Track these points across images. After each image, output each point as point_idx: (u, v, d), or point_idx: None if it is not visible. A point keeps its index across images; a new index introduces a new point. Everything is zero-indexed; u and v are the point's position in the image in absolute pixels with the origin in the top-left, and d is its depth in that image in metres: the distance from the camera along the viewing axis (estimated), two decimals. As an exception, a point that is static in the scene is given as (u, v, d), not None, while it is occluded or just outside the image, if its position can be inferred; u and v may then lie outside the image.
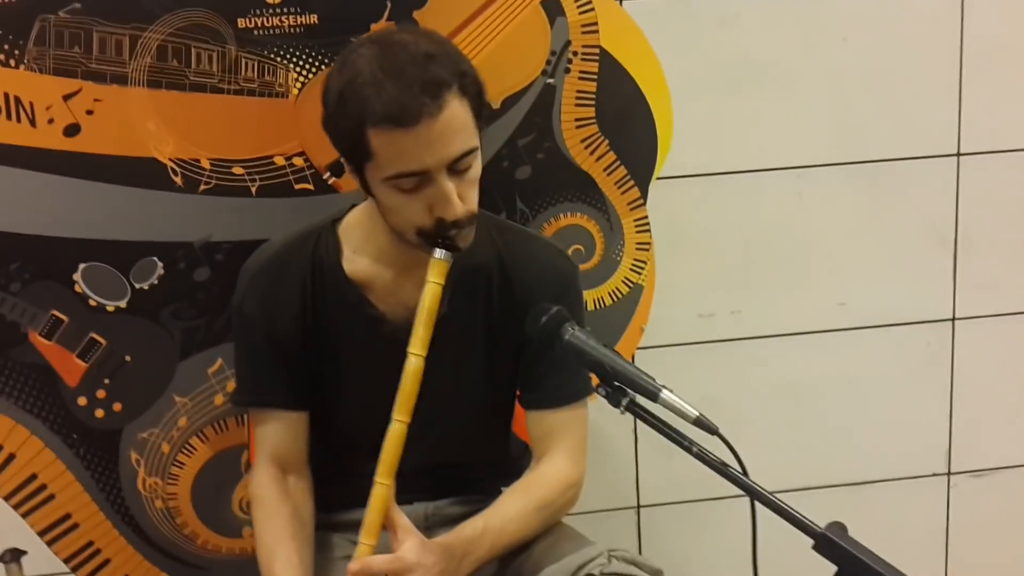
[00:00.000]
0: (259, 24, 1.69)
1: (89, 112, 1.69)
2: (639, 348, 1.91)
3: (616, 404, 1.19)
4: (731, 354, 1.95)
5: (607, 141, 1.81)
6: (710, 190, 1.88)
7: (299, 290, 1.42)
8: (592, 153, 1.82)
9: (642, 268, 1.88)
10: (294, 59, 1.71)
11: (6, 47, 1.64)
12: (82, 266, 1.74)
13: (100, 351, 1.79)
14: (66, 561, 1.85)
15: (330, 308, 1.42)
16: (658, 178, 1.84)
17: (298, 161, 1.73)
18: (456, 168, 1.25)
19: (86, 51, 1.67)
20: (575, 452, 1.47)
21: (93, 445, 1.82)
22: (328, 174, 1.77)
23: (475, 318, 1.41)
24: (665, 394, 1.17)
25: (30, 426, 1.80)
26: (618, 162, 1.83)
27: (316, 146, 1.74)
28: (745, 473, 1.17)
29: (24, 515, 1.82)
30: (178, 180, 1.73)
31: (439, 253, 1.29)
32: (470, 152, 1.26)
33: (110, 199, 1.72)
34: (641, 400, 1.23)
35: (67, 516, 1.84)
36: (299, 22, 1.70)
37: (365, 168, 1.27)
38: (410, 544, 1.26)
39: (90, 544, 1.86)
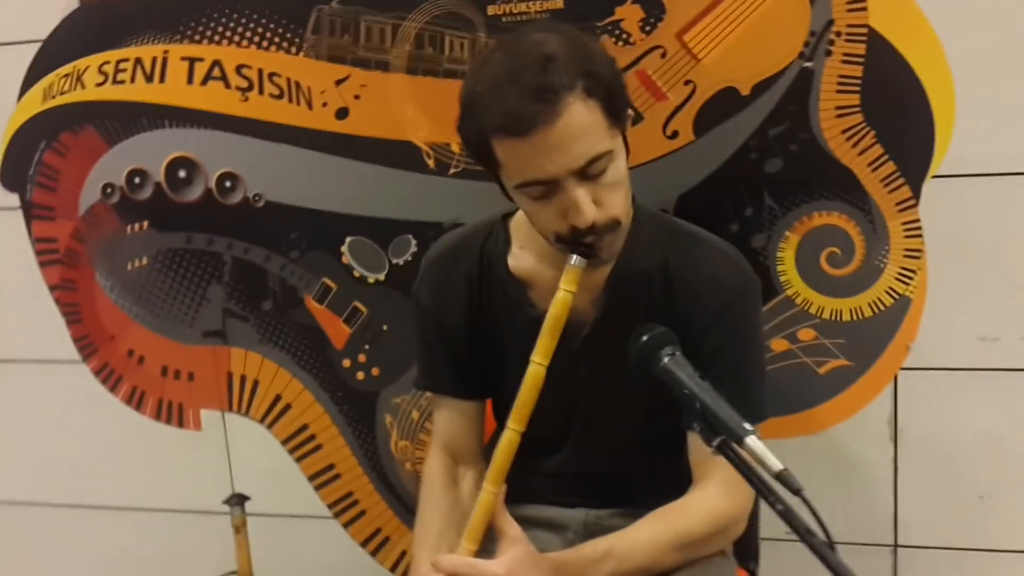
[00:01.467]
0: (507, 11, 1.71)
1: (356, 97, 1.81)
2: (904, 368, 1.68)
3: (708, 442, 1.05)
4: (1020, 387, 1.65)
5: (873, 132, 1.60)
6: (1001, 192, 1.59)
7: (466, 283, 1.41)
8: (855, 146, 1.62)
9: (911, 278, 1.65)
10: (540, 44, 1.71)
11: (288, 35, 1.81)
12: (348, 239, 1.89)
13: (362, 319, 1.92)
14: (330, 507, 2.03)
15: (495, 303, 1.40)
16: (935, 176, 1.59)
17: (540, 146, 1.73)
18: (587, 174, 1.17)
19: (355, 39, 1.79)
20: (731, 484, 1.30)
21: (354, 404, 1.98)
22: (569, 161, 1.75)
23: (635, 325, 1.30)
24: (751, 440, 1.01)
25: (304, 380, 1.99)
26: (886, 156, 1.61)
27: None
28: (831, 546, 0.98)
29: (297, 460, 2.03)
30: (431, 163, 1.81)
31: (574, 260, 1.22)
32: (600, 157, 1.16)
33: (372, 178, 1.84)
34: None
35: (331, 466, 2.02)
36: (545, 7, 1.69)
37: (499, 175, 1.23)
38: (509, 555, 1.20)
39: (350, 495, 2.03)
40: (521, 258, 1.37)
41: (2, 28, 1.98)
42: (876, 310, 1.67)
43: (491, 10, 1.71)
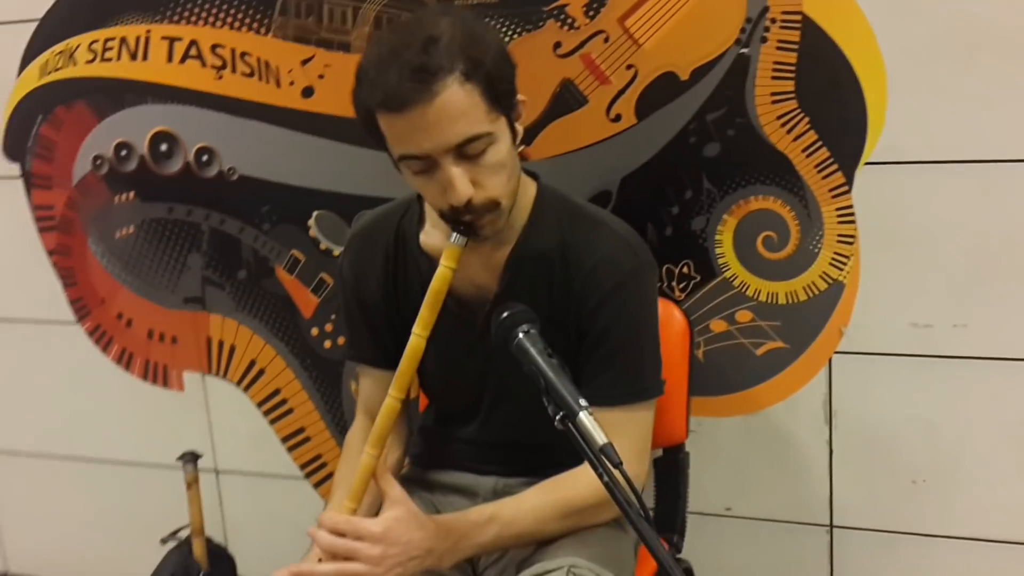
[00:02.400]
0: (459, -6, 1.76)
1: (320, 76, 1.88)
2: (838, 352, 1.70)
3: (555, 415, 1.09)
4: (952, 374, 1.64)
5: (807, 118, 1.62)
6: (933, 180, 1.58)
7: (383, 258, 1.47)
8: (789, 132, 1.64)
9: (844, 264, 1.66)
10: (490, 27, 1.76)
11: (258, 16, 1.89)
12: (315, 213, 1.97)
13: (328, 290, 2.00)
14: (301, 468, 2.14)
15: (408, 278, 1.45)
16: (867, 163, 1.60)
17: (490, 127, 1.78)
18: (464, 153, 1.22)
19: (318, 20, 1.86)
20: (623, 456, 1.32)
21: (322, 371, 2.07)
22: (518, 141, 1.80)
23: (536, 303, 1.31)
24: (583, 416, 1.05)
25: (276, 347, 2.08)
26: (820, 143, 1.63)
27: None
28: (646, 518, 1.01)
29: (271, 422, 2.13)
30: (390, 140, 1.87)
31: (453, 238, 1.27)
32: (476, 138, 1.21)
33: (336, 155, 1.91)
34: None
35: (301, 429, 2.12)
36: (495, -9, 1.74)
37: (387, 147, 1.28)
38: (390, 515, 1.25)
39: (319, 457, 2.12)
40: (432, 235, 1.42)
41: (4, 7, 2.09)
42: (811, 294, 1.69)
43: (444, -7, 1.77)
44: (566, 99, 1.74)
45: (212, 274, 2.08)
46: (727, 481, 1.82)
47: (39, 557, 2.47)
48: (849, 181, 1.63)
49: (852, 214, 1.64)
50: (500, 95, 1.23)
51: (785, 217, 1.68)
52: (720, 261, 1.73)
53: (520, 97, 1.30)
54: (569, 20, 1.70)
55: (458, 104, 1.18)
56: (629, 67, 1.69)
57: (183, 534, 1.90)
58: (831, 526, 1.78)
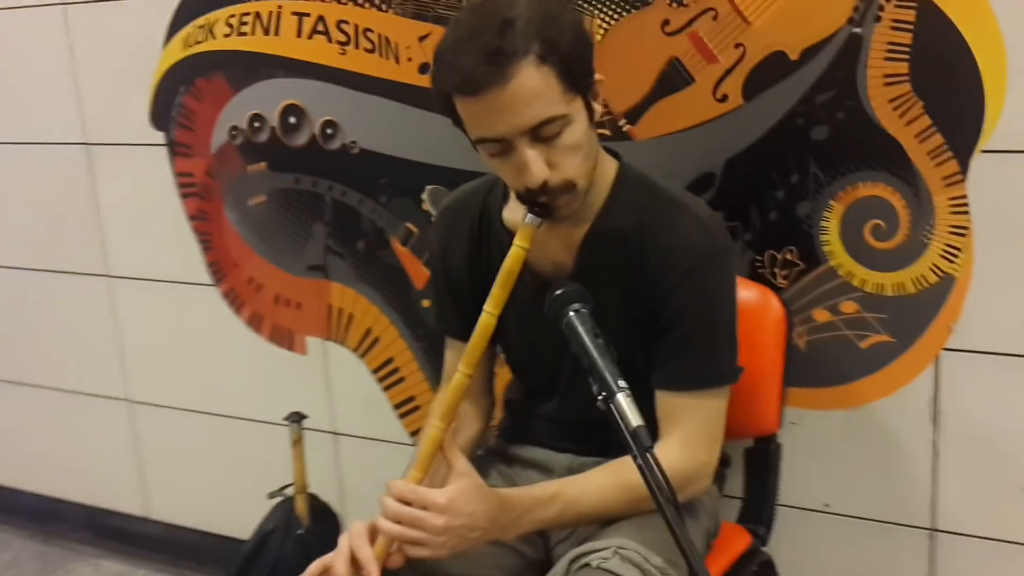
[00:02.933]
0: (576, -27, 1.76)
1: (436, 53, 1.93)
2: (946, 349, 1.61)
3: (598, 394, 1.09)
4: (1070, 380, 1.54)
5: (921, 103, 1.54)
6: (1055, 171, 1.48)
7: (468, 233, 1.49)
8: (902, 116, 1.56)
9: (956, 256, 1.57)
10: (599, 6, 1.75)
11: (381, -6, 1.95)
12: (427, 187, 2.02)
13: (439, 262, 2.05)
14: (411, 435, 2.20)
15: (492, 253, 1.47)
16: (984, 151, 1.51)
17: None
18: (540, 136, 1.22)
19: (435, -2, 1.90)
20: (691, 441, 1.33)
21: (432, 342, 2.12)
22: (624, 120, 1.78)
23: (611, 282, 1.35)
24: (620, 397, 1.04)
25: (390, 317, 2.15)
26: (933, 128, 1.54)
27: (614, 92, 1.78)
28: (675, 505, 0.99)
29: (384, 389, 2.20)
30: (500, 118, 1.89)
31: (527, 218, 1.28)
32: (551, 120, 1.21)
33: (449, 130, 1.92)
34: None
35: (412, 398, 2.18)
36: (606, -31, 1.73)
37: (464, 129, 1.30)
38: (455, 486, 1.26)
39: (428, 425, 2.18)
40: (515, 211, 1.43)
41: (153, -17, 2.24)
42: (919, 287, 1.61)
43: (557, -29, 1.77)
44: (672, 78, 1.72)
45: (334, 244, 2.16)
46: (826, 476, 1.77)
47: (176, 505, 2.65)
48: (964, 169, 1.54)
49: (966, 204, 1.55)
50: (576, 76, 1.23)
51: (895, 205, 1.60)
52: (825, 249, 1.67)
53: (598, 76, 1.29)
54: (678, -2, 1.68)
55: (532, 87, 1.19)
56: (737, 46, 1.65)
57: (290, 491, 2.00)
58: (932, 530, 1.70)
